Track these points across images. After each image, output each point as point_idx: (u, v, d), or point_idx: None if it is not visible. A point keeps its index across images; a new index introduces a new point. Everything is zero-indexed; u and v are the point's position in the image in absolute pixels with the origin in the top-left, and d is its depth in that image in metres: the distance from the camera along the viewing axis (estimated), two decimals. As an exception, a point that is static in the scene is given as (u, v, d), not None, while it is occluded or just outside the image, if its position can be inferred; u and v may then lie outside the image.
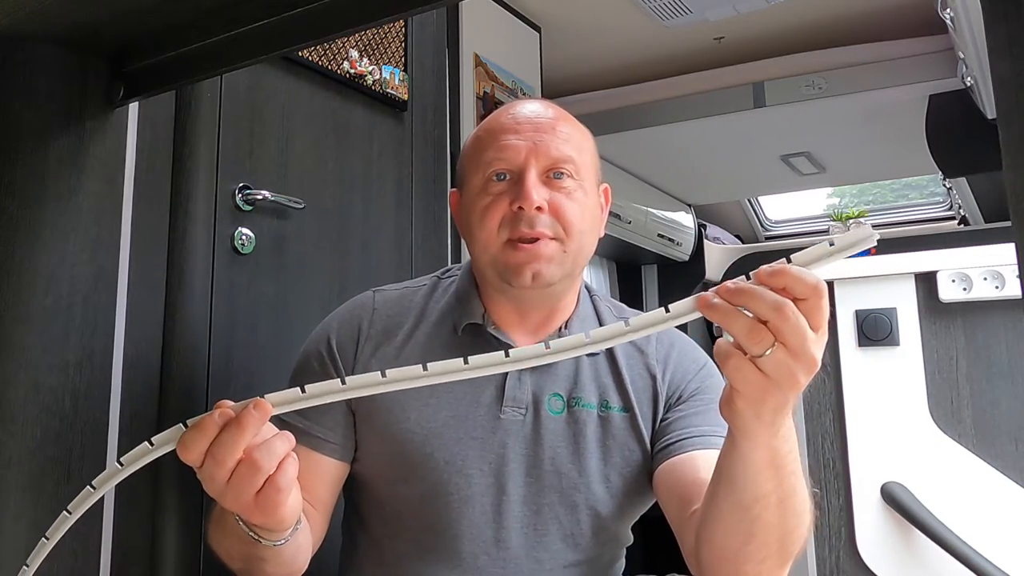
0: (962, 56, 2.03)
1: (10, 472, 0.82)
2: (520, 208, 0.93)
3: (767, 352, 0.59)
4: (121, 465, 0.63)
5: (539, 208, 0.93)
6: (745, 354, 0.60)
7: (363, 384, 0.61)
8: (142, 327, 1.02)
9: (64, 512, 0.64)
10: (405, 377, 0.61)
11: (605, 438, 0.98)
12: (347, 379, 0.61)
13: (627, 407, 1.00)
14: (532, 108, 1.00)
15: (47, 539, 0.64)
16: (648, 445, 0.99)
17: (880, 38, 2.42)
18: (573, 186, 0.96)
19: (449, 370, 0.61)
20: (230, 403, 0.65)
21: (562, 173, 0.96)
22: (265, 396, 0.64)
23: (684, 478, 0.92)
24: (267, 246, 1.22)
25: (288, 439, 0.67)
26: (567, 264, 0.95)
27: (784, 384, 0.60)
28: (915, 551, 1.39)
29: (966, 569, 1.31)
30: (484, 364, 0.61)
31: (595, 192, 1.01)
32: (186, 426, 0.64)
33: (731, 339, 0.62)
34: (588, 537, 0.98)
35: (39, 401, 0.85)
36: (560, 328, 1.01)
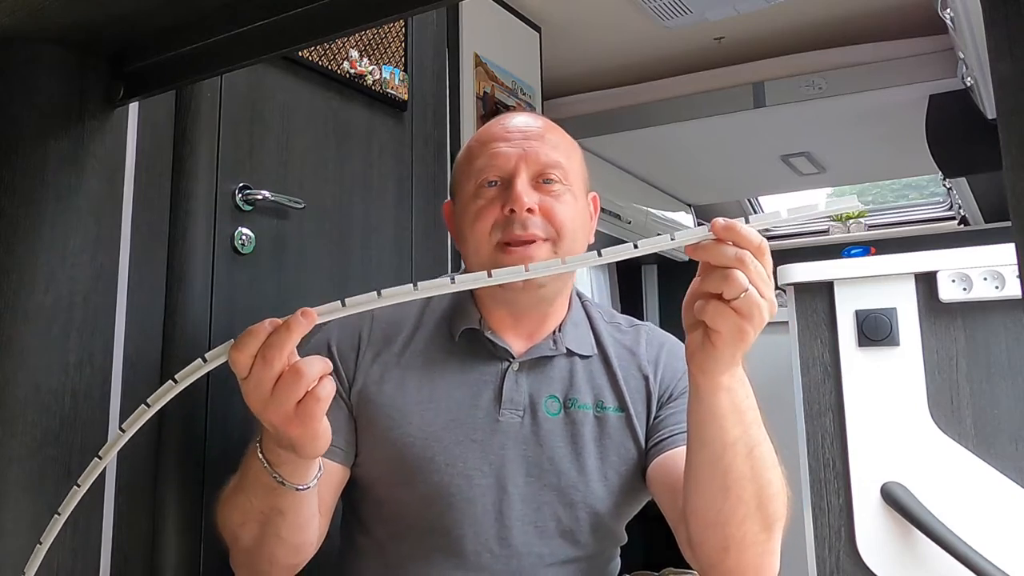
0: (962, 56, 2.03)
1: (10, 472, 0.82)
2: (512, 211, 0.95)
3: (741, 295, 0.70)
4: (175, 382, 0.67)
5: (530, 210, 0.95)
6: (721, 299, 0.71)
7: (396, 294, 0.67)
8: (142, 327, 1.02)
9: (118, 430, 0.68)
10: (433, 286, 0.67)
11: (602, 437, 1.01)
12: (381, 291, 0.67)
13: (622, 407, 1.02)
14: (521, 118, 1.03)
15: (99, 457, 0.67)
16: (643, 443, 1.02)
17: (880, 38, 2.42)
18: (562, 190, 0.99)
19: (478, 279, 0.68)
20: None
21: (551, 178, 0.98)
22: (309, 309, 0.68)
23: (677, 471, 0.94)
24: (267, 246, 1.22)
25: (325, 361, 0.71)
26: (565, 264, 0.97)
27: (755, 321, 0.71)
28: (915, 551, 1.39)
29: (966, 569, 1.31)
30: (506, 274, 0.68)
31: (584, 198, 1.04)
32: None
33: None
34: (587, 534, 1.00)
35: (39, 401, 0.85)
36: (554, 331, 1.03)
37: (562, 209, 0.97)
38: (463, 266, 1.08)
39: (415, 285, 0.66)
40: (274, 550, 0.87)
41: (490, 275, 0.67)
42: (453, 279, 0.66)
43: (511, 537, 0.96)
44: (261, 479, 0.80)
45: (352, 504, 1.05)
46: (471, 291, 1.04)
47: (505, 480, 0.97)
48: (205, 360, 0.67)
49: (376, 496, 1.00)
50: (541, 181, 0.98)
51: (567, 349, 1.03)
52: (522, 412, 0.99)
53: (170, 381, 0.66)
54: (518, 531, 0.97)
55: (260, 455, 0.80)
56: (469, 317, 1.02)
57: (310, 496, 0.84)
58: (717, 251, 0.70)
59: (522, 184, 0.96)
